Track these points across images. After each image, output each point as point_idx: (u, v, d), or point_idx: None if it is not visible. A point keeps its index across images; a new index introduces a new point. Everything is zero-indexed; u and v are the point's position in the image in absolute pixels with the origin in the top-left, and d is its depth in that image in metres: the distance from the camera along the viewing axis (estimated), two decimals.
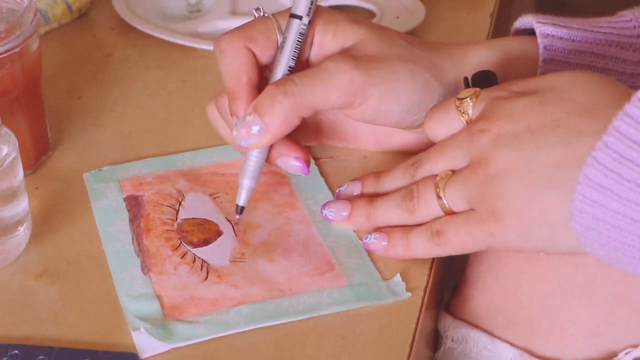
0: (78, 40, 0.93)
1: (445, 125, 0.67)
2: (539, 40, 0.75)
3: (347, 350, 0.63)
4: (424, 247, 0.67)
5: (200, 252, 0.69)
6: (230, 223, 0.71)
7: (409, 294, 0.66)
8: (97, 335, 0.64)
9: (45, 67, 0.78)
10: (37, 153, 0.77)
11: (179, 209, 0.72)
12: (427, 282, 0.67)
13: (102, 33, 0.94)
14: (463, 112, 0.66)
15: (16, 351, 0.62)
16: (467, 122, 0.66)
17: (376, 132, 0.77)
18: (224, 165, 0.77)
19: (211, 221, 0.72)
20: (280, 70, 0.70)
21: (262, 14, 0.72)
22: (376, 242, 0.68)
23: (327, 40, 0.72)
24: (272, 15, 0.72)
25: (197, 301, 0.65)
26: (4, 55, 0.71)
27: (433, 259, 0.69)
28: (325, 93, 0.68)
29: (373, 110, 0.70)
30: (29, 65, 0.74)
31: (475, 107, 0.66)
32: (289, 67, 0.70)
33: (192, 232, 0.71)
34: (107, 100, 0.85)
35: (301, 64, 0.72)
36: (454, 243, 0.65)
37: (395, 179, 0.70)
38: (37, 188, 0.75)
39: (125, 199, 0.73)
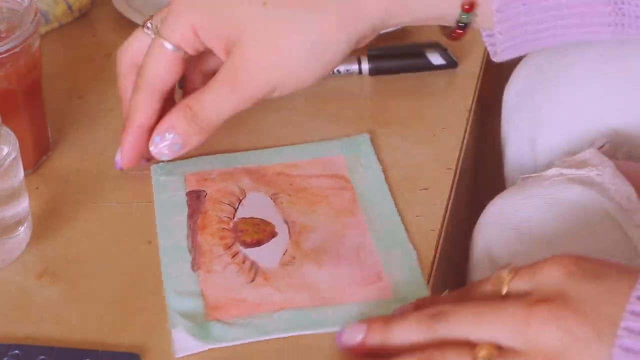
0: (78, 40, 0.93)
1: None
2: None
3: None
4: None
5: (252, 252, 0.69)
6: (287, 225, 0.71)
7: None
8: (98, 335, 0.64)
9: (45, 67, 0.78)
10: (37, 153, 0.77)
11: (238, 207, 0.72)
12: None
13: (102, 33, 0.94)
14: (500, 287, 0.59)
15: (17, 351, 0.62)
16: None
17: None
18: (290, 165, 0.76)
19: (268, 222, 0.71)
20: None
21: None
22: None
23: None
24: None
25: (239, 303, 0.65)
26: (5, 55, 0.71)
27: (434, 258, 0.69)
28: (232, 109, 0.71)
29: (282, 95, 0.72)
30: (29, 65, 0.74)
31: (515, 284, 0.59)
32: None
33: (247, 232, 0.70)
34: (107, 100, 0.85)
35: None
36: None
37: (408, 330, 0.60)
38: (37, 188, 0.75)
39: (187, 194, 0.74)
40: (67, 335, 0.64)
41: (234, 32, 0.70)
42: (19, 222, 0.69)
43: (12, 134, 0.68)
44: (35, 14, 0.73)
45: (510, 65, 0.85)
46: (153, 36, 0.73)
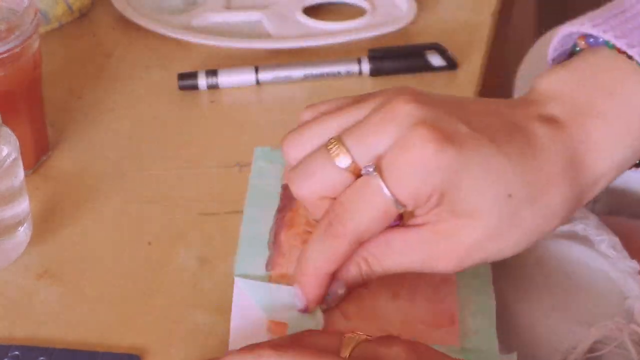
0: (78, 40, 0.93)
1: None
2: None
3: None
4: None
5: None
6: None
7: None
8: (98, 336, 0.64)
9: (45, 67, 0.78)
10: (37, 153, 0.77)
11: None
12: None
13: (102, 33, 0.94)
14: None
15: (17, 352, 0.62)
16: None
17: None
18: None
19: None
20: None
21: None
22: None
23: None
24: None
25: None
26: (4, 55, 0.71)
27: None
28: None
29: None
30: (29, 65, 0.74)
31: None
32: None
33: None
34: (107, 100, 0.85)
35: None
36: None
37: None
38: (37, 188, 0.75)
39: (282, 186, 0.69)
40: (67, 336, 0.64)
41: (472, 212, 0.60)
42: (19, 223, 0.69)
43: (12, 134, 0.68)
44: (35, 14, 0.73)
45: (510, 66, 0.85)
46: (374, 174, 0.59)
